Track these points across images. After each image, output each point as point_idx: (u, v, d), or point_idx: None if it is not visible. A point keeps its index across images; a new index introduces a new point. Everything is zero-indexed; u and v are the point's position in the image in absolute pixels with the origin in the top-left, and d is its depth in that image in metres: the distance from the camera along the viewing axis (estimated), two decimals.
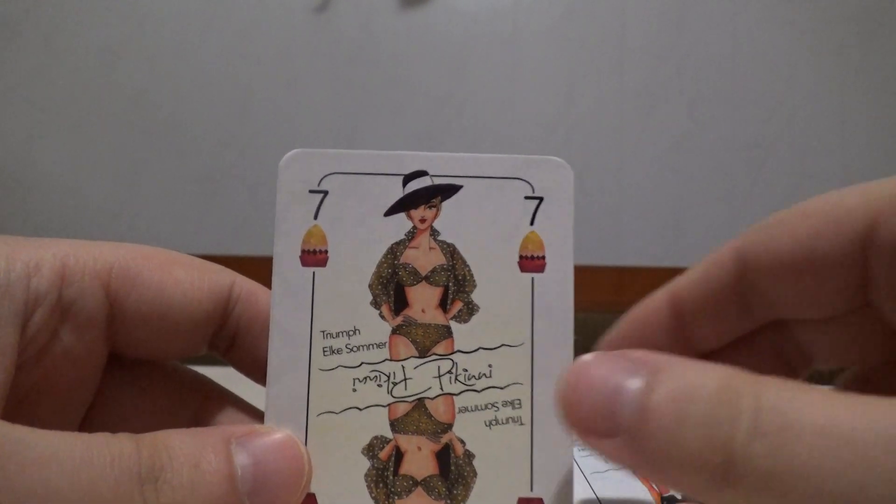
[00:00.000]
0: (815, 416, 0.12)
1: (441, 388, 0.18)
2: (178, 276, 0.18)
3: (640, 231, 1.07)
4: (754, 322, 0.19)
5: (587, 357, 0.15)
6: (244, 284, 0.20)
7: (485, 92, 1.08)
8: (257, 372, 0.20)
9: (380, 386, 0.18)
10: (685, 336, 0.20)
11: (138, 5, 1.06)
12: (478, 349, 0.18)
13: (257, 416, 0.19)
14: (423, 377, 0.18)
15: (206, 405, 0.20)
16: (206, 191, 1.08)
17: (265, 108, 1.08)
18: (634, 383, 0.14)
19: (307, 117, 1.08)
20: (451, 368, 0.18)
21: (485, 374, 0.18)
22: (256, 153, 1.08)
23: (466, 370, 0.18)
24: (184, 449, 0.15)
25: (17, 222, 1.08)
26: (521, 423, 0.18)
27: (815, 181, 1.05)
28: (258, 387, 0.19)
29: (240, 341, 0.20)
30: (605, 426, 0.14)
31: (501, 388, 0.18)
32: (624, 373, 0.14)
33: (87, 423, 0.19)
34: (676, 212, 1.07)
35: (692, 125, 1.07)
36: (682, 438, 0.13)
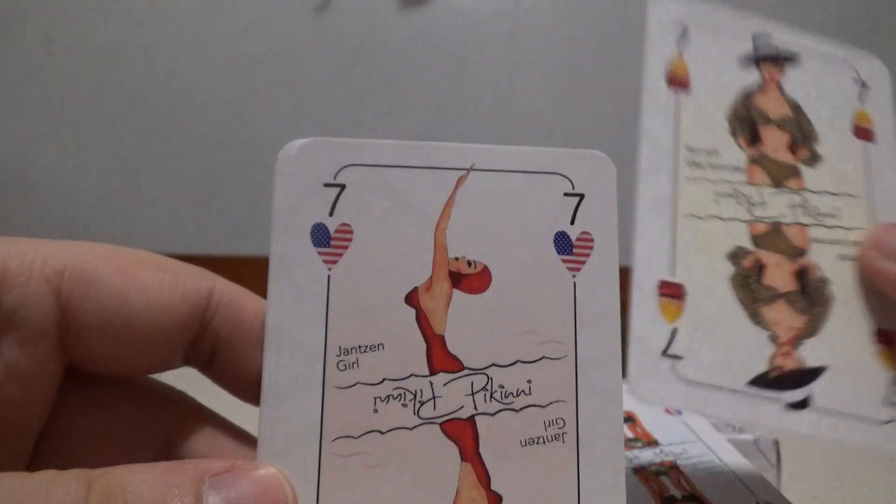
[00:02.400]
0: None
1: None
2: (144, 280, 0.16)
3: None
4: None
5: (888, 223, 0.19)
6: (226, 290, 0.17)
7: (485, 92, 1.08)
8: (240, 388, 0.17)
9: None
10: None
11: (138, 5, 1.06)
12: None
13: (243, 439, 0.17)
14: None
15: (181, 427, 0.17)
16: (206, 191, 1.08)
17: (265, 108, 1.08)
18: None
19: (307, 117, 1.08)
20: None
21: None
22: (256, 153, 1.08)
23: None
24: (144, 491, 0.13)
25: (18, 222, 1.08)
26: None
27: None
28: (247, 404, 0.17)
29: (220, 355, 0.17)
30: None
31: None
32: None
33: (41, 451, 0.16)
34: None
35: None
36: None
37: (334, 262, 0.16)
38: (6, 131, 1.07)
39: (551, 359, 0.16)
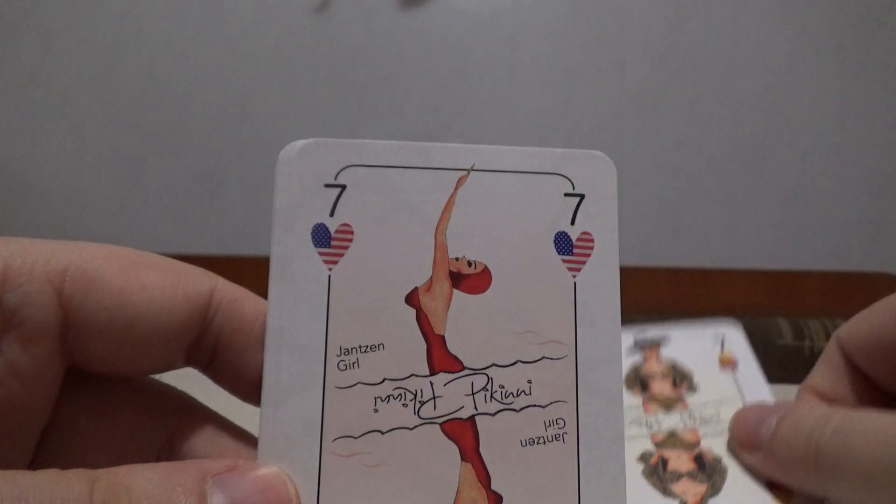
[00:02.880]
0: (872, 424, 0.19)
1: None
2: (145, 280, 0.16)
3: (640, 231, 1.07)
4: None
5: (747, 405, 0.25)
6: (227, 290, 0.17)
7: (485, 92, 1.08)
8: (241, 389, 0.17)
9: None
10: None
11: (138, 5, 1.06)
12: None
13: (244, 439, 0.17)
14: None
15: (182, 427, 0.17)
16: (206, 191, 1.08)
17: (265, 109, 1.08)
18: (773, 419, 0.22)
19: (307, 117, 1.08)
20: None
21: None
22: (256, 153, 1.08)
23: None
24: (148, 490, 0.13)
25: (17, 222, 1.08)
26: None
27: (815, 181, 1.05)
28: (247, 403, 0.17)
29: (221, 355, 0.17)
30: (752, 444, 0.23)
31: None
32: (767, 413, 0.23)
33: (42, 452, 0.16)
34: (676, 212, 1.07)
35: (692, 125, 1.07)
36: (794, 446, 0.21)
37: (335, 263, 0.16)
38: (6, 131, 1.07)
39: (551, 359, 0.16)
